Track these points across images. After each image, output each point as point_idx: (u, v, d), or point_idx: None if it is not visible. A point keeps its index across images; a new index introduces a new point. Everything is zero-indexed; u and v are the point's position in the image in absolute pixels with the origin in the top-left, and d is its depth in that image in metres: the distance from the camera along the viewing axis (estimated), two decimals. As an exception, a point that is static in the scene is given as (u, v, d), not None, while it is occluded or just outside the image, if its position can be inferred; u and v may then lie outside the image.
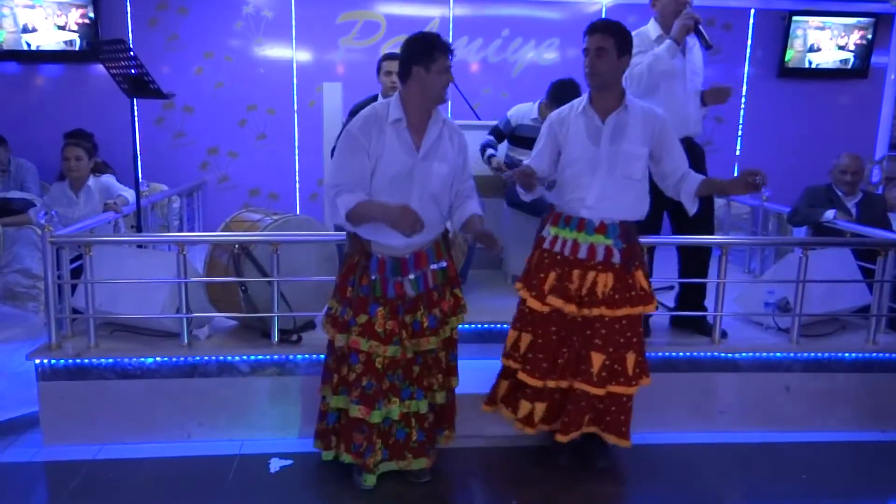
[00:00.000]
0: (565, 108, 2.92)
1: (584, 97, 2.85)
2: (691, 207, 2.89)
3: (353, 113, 4.04)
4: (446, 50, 2.56)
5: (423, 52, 2.53)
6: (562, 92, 3.90)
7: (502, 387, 3.05)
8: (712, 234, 3.62)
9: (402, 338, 2.66)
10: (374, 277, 2.65)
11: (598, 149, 2.78)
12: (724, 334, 3.48)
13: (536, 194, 2.91)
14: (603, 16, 6.31)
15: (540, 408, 2.90)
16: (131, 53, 3.59)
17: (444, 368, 2.83)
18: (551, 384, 2.86)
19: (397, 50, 2.76)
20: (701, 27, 3.23)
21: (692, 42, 3.40)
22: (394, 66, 3.75)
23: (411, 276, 2.67)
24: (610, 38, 2.70)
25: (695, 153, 3.29)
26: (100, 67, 3.73)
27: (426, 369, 2.77)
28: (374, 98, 4.07)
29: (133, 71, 3.63)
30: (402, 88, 2.62)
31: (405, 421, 2.76)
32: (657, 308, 2.92)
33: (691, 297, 3.61)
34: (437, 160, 2.63)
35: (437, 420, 2.88)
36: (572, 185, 2.81)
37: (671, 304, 3.80)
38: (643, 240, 3.03)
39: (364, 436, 2.70)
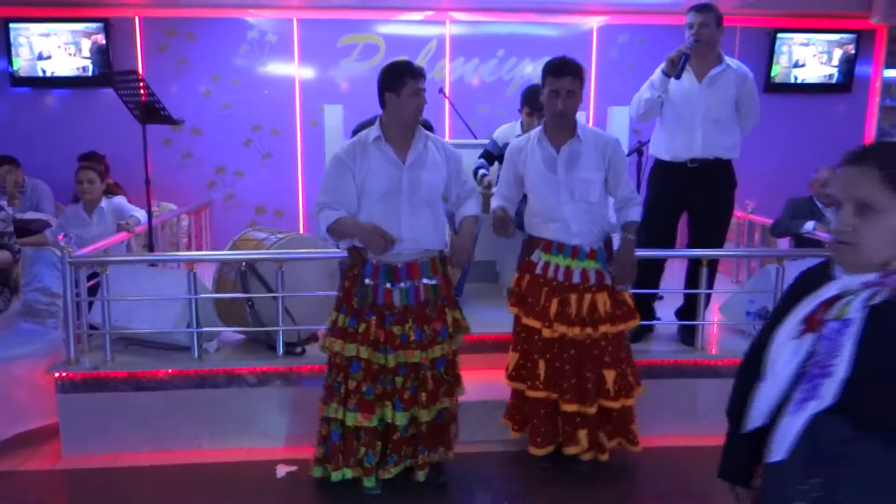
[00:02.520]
0: (522, 138, 3.10)
1: (539, 128, 3.01)
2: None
3: (355, 132, 4.23)
4: (415, 74, 2.71)
5: (393, 78, 2.70)
6: (534, 93, 4.08)
7: (539, 421, 3.05)
8: (725, 235, 3.82)
9: (386, 347, 2.76)
10: (367, 281, 2.78)
11: (556, 175, 2.93)
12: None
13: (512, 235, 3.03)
14: (594, 35, 6.51)
15: (583, 434, 3.00)
16: (143, 83, 3.81)
17: (430, 389, 2.84)
18: (572, 408, 2.95)
19: None
20: (686, 59, 3.44)
21: (724, 72, 3.55)
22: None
23: (402, 285, 2.78)
24: (578, 80, 2.87)
25: (712, 174, 3.61)
26: (111, 92, 3.96)
27: (408, 381, 2.81)
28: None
29: (145, 99, 3.86)
30: (382, 114, 2.81)
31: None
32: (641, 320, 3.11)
33: (691, 308, 3.73)
34: (425, 170, 2.78)
35: (424, 438, 2.88)
36: (544, 213, 2.95)
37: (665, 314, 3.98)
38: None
39: (362, 443, 2.80)
